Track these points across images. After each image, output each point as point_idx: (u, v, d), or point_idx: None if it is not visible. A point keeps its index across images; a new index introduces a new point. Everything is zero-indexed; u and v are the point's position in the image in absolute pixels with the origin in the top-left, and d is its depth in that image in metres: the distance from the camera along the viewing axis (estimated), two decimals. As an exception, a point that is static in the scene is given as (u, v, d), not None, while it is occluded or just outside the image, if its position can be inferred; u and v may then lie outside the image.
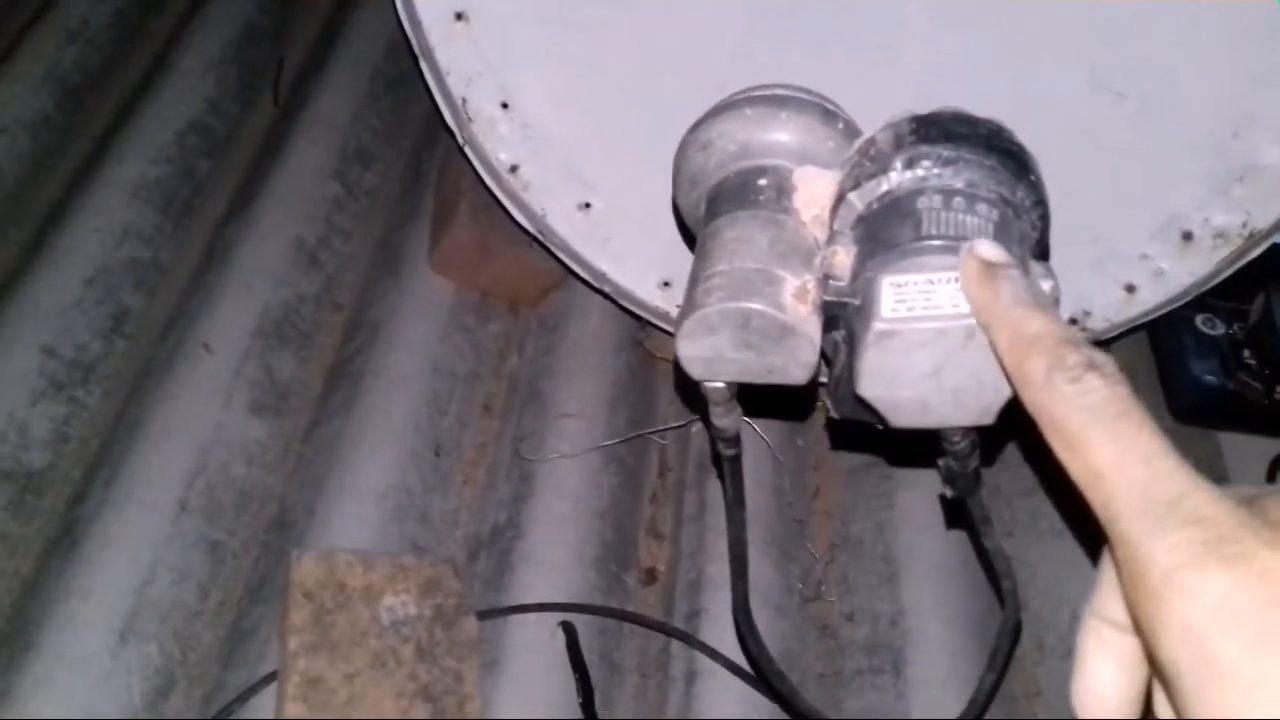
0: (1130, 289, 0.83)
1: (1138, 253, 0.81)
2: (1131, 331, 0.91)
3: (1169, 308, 0.84)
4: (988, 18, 0.74)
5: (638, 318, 0.96)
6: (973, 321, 0.39)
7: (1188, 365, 0.97)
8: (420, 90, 1.18)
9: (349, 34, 1.23)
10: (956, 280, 0.40)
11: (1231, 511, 0.26)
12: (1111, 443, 0.29)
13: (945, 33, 0.75)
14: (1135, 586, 0.26)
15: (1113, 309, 0.85)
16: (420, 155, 1.17)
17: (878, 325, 0.40)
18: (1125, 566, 0.27)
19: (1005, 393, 0.41)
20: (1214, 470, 0.98)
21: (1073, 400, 0.30)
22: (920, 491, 0.94)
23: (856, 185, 0.43)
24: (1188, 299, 0.83)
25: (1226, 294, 0.92)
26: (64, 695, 0.74)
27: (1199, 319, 0.99)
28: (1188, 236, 0.79)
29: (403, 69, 1.21)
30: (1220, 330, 0.99)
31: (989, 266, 0.37)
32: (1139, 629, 0.27)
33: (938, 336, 0.39)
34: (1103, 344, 0.93)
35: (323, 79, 1.17)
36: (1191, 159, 0.78)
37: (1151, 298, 0.83)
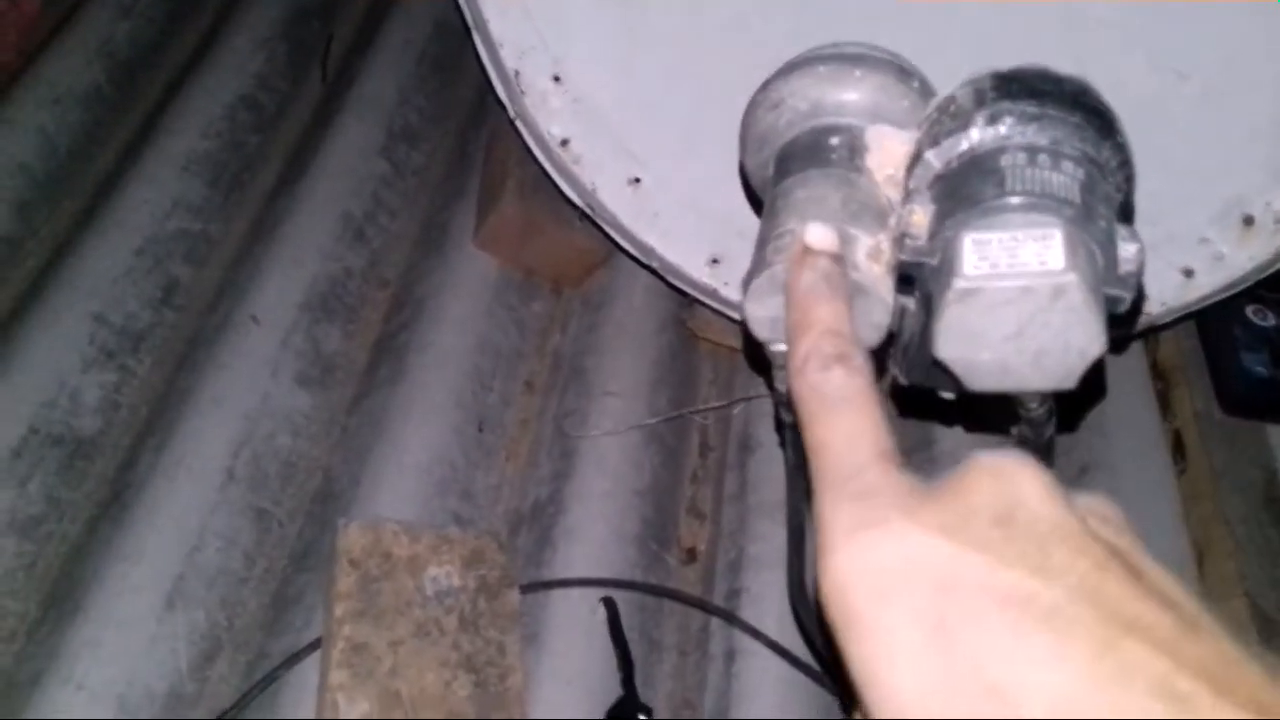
0: (1188, 273, 0.82)
1: (1197, 236, 0.80)
2: (1183, 320, 0.89)
3: (1227, 293, 0.83)
4: (1044, -2, 0.73)
5: (684, 295, 0.96)
6: (1061, 279, 0.38)
7: (1238, 357, 0.96)
8: (467, 70, 1.19)
9: (397, 13, 1.23)
10: (1043, 238, 0.39)
11: (895, 485, 0.30)
12: (828, 423, 0.33)
13: (998, 12, 0.74)
14: (817, 553, 0.29)
15: (1170, 293, 0.83)
16: (466, 136, 1.17)
17: (960, 283, 0.39)
18: (816, 535, 0.30)
19: (1091, 354, 0.40)
20: (1263, 463, 0.97)
21: (814, 384, 0.34)
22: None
23: (935, 143, 0.43)
24: (1247, 285, 0.82)
25: (1279, 285, 0.90)
26: (111, 657, 0.75)
27: (1250, 310, 0.97)
28: (1249, 221, 0.78)
29: (450, 49, 1.21)
30: (1271, 321, 0.97)
31: (804, 250, 0.41)
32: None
33: (1023, 294, 0.39)
34: (1156, 329, 0.92)
35: (371, 57, 1.17)
36: (1254, 142, 0.77)
37: (1210, 282, 0.82)
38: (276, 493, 0.87)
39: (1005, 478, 0.29)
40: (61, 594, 0.79)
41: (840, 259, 0.41)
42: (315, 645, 0.77)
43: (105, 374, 0.89)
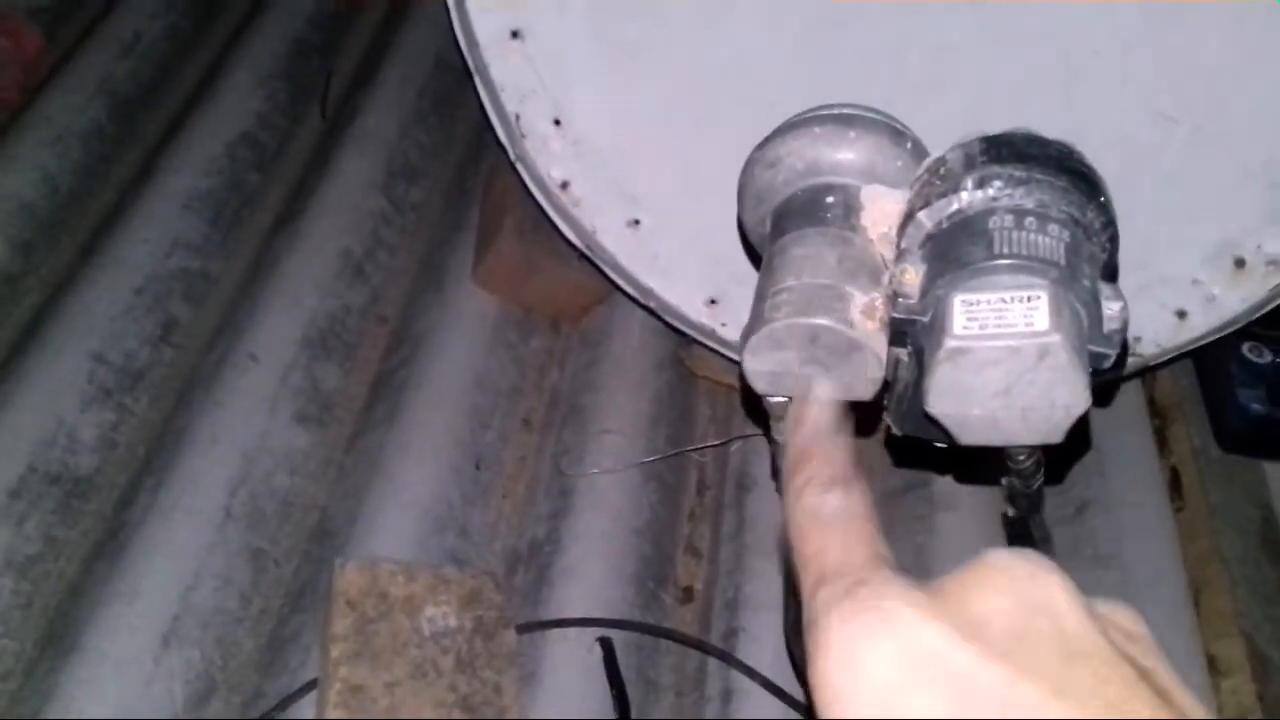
0: (1181, 314, 0.82)
1: (1189, 278, 0.81)
2: (1178, 359, 0.90)
3: (1220, 334, 0.83)
4: (1037, 42, 0.74)
5: (682, 334, 0.97)
6: (1046, 340, 0.39)
7: (1234, 394, 0.96)
8: (466, 106, 1.20)
9: (397, 50, 1.24)
10: (1029, 299, 0.40)
11: (896, 581, 0.27)
12: (823, 537, 0.31)
13: (994, 56, 0.75)
14: (808, 655, 0.27)
15: (1163, 334, 0.84)
16: (465, 171, 1.18)
17: (950, 342, 0.40)
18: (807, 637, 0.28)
19: (1076, 411, 0.41)
20: (1259, 500, 0.97)
21: (809, 506, 0.33)
22: (960, 515, 0.93)
23: (926, 204, 0.44)
24: (1239, 325, 0.82)
25: (1274, 322, 0.91)
26: (107, 697, 0.75)
27: (1245, 347, 0.98)
28: (1240, 263, 0.79)
29: (449, 85, 1.22)
30: (1267, 359, 0.98)
31: (810, 403, 0.40)
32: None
33: (1010, 354, 0.40)
34: (1151, 369, 0.92)
35: (371, 95, 1.18)
36: (1244, 185, 0.77)
37: (1203, 323, 0.82)
38: (273, 532, 0.87)
39: (1025, 580, 0.26)
40: (58, 633, 0.79)
41: (843, 408, 0.41)
42: (311, 686, 0.77)
43: (103, 412, 0.89)
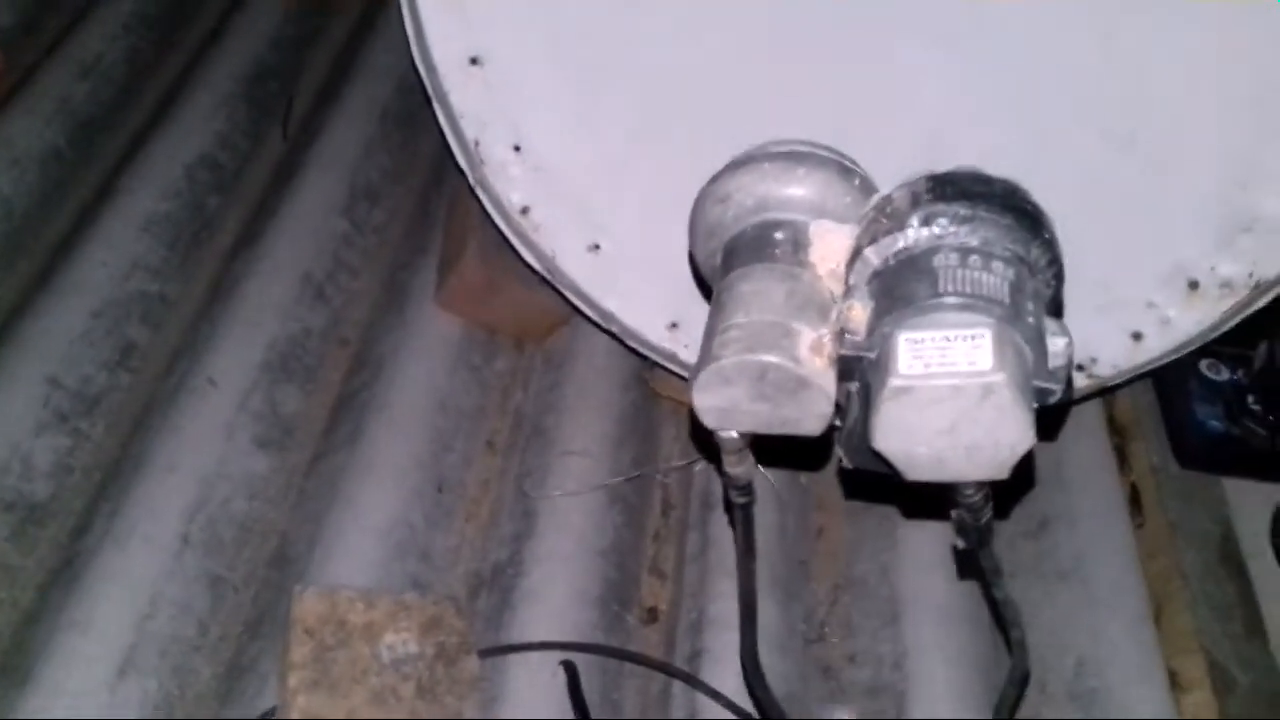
0: (1137, 336, 0.83)
1: (1144, 300, 0.82)
2: (1138, 377, 0.91)
3: (1176, 355, 0.84)
4: (999, 67, 0.74)
5: (644, 357, 0.97)
6: (989, 379, 0.39)
7: (1192, 410, 0.97)
8: (429, 128, 1.19)
9: (360, 71, 1.24)
10: (973, 338, 0.40)
11: None
12: None
13: (957, 82, 0.76)
14: None
15: (1120, 356, 0.85)
16: (428, 193, 1.17)
17: (894, 381, 0.40)
18: None
19: (1020, 449, 0.41)
20: (1218, 516, 0.98)
21: None
22: (924, 532, 0.94)
23: (873, 241, 0.44)
24: (1195, 347, 0.83)
25: (1231, 339, 0.92)
26: (62, 730, 0.73)
27: (1204, 364, 0.99)
28: (1194, 285, 0.80)
29: (412, 107, 1.22)
30: (1225, 376, 0.99)
31: None
32: None
33: (954, 393, 0.40)
34: (1108, 390, 0.93)
35: (332, 116, 1.18)
36: (1198, 209, 0.78)
37: (1158, 345, 0.83)
38: (231, 558, 0.86)
39: None
40: (11, 664, 0.77)
41: None
42: (269, 715, 0.76)
43: (58, 438, 0.88)
